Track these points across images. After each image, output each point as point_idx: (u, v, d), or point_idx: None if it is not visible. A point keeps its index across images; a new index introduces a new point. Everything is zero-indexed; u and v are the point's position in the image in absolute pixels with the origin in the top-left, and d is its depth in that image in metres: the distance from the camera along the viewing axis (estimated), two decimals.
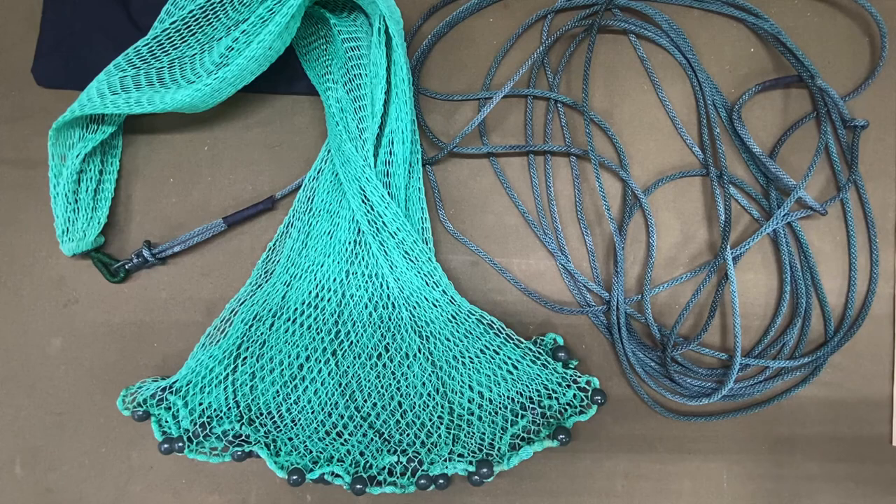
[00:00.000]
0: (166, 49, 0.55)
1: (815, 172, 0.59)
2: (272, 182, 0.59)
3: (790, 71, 0.60)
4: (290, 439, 0.52)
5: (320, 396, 0.54)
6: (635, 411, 0.57)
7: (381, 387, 0.54)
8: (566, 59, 0.61)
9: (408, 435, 0.53)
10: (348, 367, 0.55)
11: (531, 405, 0.53)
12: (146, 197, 0.59)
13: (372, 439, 0.53)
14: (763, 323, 0.58)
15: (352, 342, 0.55)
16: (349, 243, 0.56)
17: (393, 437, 0.53)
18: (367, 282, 0.55)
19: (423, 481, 0.51)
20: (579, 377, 0.53)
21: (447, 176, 0.60)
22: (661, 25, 0.60)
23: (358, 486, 0.50)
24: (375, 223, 0.54)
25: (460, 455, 0.51)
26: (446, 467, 0.51)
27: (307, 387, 0.54)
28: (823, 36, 0.61)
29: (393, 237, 0.54)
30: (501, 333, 0.54)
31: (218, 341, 0.55)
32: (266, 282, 0.56)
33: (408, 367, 0.54)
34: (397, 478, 0.51)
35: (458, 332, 0.55)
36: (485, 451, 0.52)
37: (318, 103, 0.60)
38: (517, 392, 0.54)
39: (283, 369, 0.54)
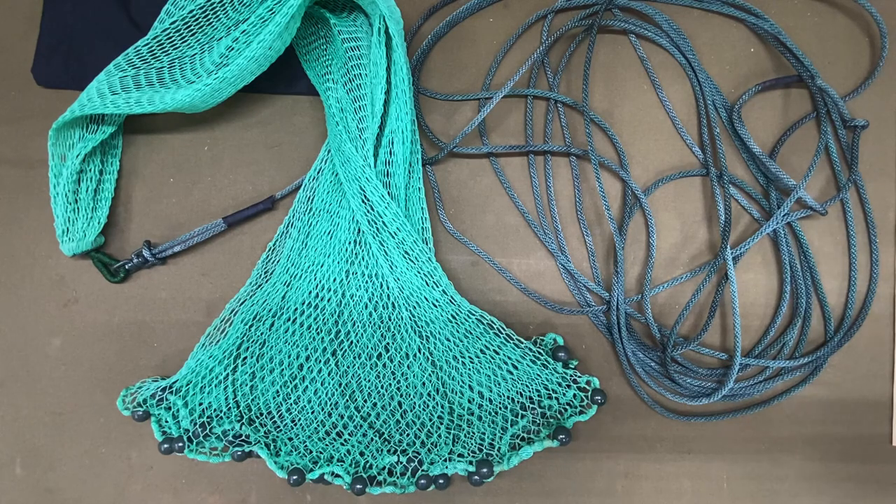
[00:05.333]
0: (166, 49, 0.55)
1: (815, 172, 0.59)
2: (272, 182, 0.59)
3: (790, 71, 0.60)
4: (290, 439, 0.52)
5: (320, 396, 0.54)
6: (635, 411, 0.57)
7: (381, 387, 0.54)
8: (566, 59, 0.61)
9: (408, 435, 0.53)
10: (348, 367, 0.55)
11: (531, 405, 0.53)
12: (146, 197, 0.59)
13: (372, 439, 0.53)
14: (763, 323, 0.58)
15: (352, 342, 0.55)
16: (349, 243, 0.56)
17: (393, 437, 0.53)
18: (367, 282, 0.55)
19: (423, 481, 0.51)
20: (579, 377, 0.53)
21: (447, 176, 0.60)
22: (661, 25, 0.60)
23: (358, 486, 0.50)
24: (375, 223, 0.54)
25: (460, 455, 0.51)
26: (446, 467, 0.51)
27: (307, 387, 0.54)
28: (823, 36, 0.61)
29: (393, 237, 0.54)
30: (501, 333, 0.54)
31: (218, 341, 0.55)
32: (266, 282, 0.56)
33: (408, 367, 0.54)
34: (397, 478, 0.51)
35: (458, 332, 0.55)
36: (485, 451, 0.52)
37: (318, 103, 0.60)
38: (517, 392, 0.54)
39: (283, 369, 0.54)
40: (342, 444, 0.52)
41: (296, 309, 0.55)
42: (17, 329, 0.58)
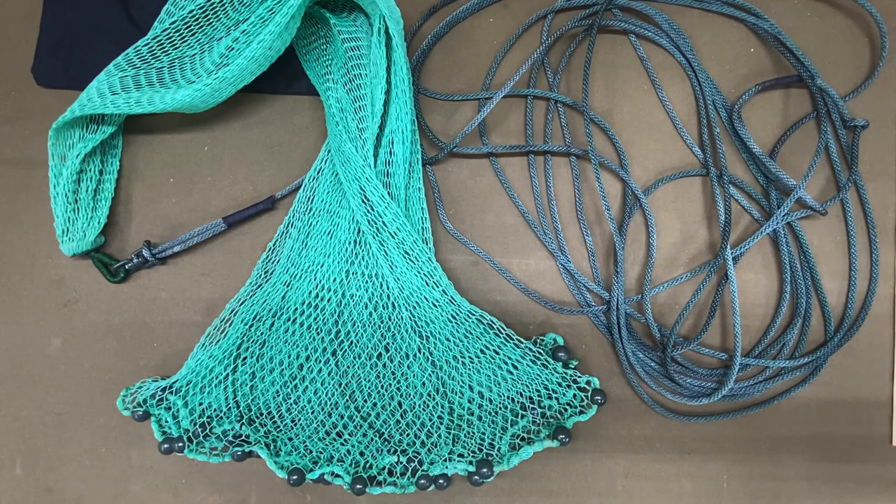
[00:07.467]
0: (166, 49, 0.55)
1: (815, 172, 0.59)
2: (272, 182, 0.59)
3: (790, 71, 0.60)
4: (290, 439, 0.52)
5: (320, 396, 0.54)
6: (635, 411, 0.57)
7: (381, 387, 0.54)
8: (566, 59, 0.61)
9: (408, 435, 0.53)
10: (348, 367, 0.55)
11: (531, 405, 0.53)
12: (146, 197, 0.59)
13: (372, 439, 0.53)
14: (763, 323, 0.58)
15: (352, 342, 0.55)
16: (349, 243, 0.56)
17: (393, 437, 0.53)
18: (367, 282, 0.55)
19: (423, 481, 0.51)
20: (579, 377, 0.53)
21: (447, 176, 0.60)
22: (661, 25, 0.60)
23: (358, 486, 0.50)
24: (375, 223, 0.54)
25: (460, 455, 0.51)
26: (446, 467, 0.51)
27: (307, 387, 0.54)
28: (823, 36, 0.61)
29: (393, 237, 0.54)
30: (501, 333, 0.54)
31: (218, 341, 0.55)
32: (266, 282, 0.56)
33: (408, 367, 0.54)
34: (397, 478, 0.51)
35: (458, 332, 0.55)
36: (485, 451, 0.52)
37: (318, 103, 0.60)
38: (517, 392, 0.54)
39: (283, 369, 0.54)
40: (342, 444, 0.52)
41: (296, 309, 0.55)
42: (17, 329, 0.58)
